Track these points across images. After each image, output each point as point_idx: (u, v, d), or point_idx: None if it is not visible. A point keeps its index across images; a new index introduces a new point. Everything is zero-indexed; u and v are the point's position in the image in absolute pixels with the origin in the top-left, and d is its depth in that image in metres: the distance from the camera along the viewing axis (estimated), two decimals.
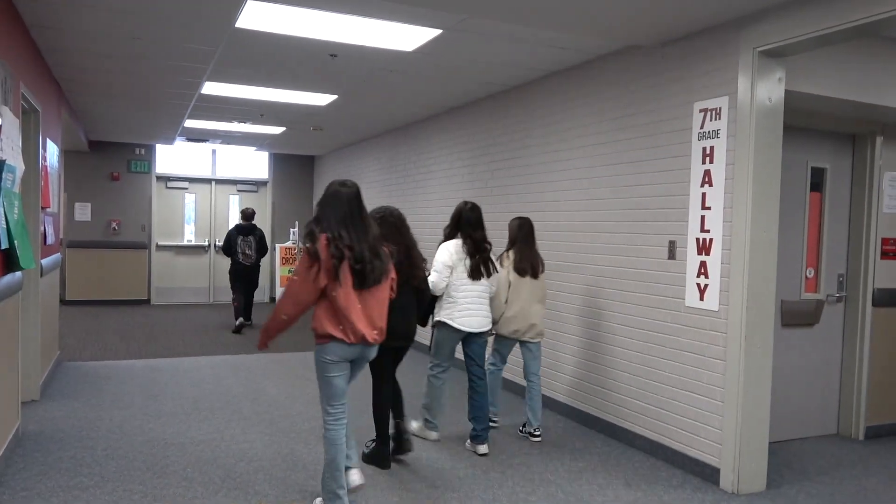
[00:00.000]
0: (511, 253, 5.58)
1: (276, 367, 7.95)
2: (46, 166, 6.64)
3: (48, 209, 6.79)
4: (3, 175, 4.16)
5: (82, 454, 4.92)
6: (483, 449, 5.17)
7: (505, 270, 5.50)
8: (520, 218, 5.72)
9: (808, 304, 5.72)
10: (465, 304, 5.16)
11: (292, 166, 14.94)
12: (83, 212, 13.25)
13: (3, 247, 4.25)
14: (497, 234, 7.31)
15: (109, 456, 4.90)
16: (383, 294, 3.99)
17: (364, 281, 3.83)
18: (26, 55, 5.50)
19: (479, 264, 5.20)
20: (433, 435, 5.45)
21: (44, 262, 6.49)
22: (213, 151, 14.32)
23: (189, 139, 12.51)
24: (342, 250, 3.74)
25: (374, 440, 4.98)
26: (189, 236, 14.26)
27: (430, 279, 5.09)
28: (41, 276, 6.31)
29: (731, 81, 4.55)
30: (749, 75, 4.41)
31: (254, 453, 5.04)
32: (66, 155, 12.71)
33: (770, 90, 4.44)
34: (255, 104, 8.63)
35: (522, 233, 5.61)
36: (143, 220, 13.68)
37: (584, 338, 5.96)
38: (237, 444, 5.23)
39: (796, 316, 5.66)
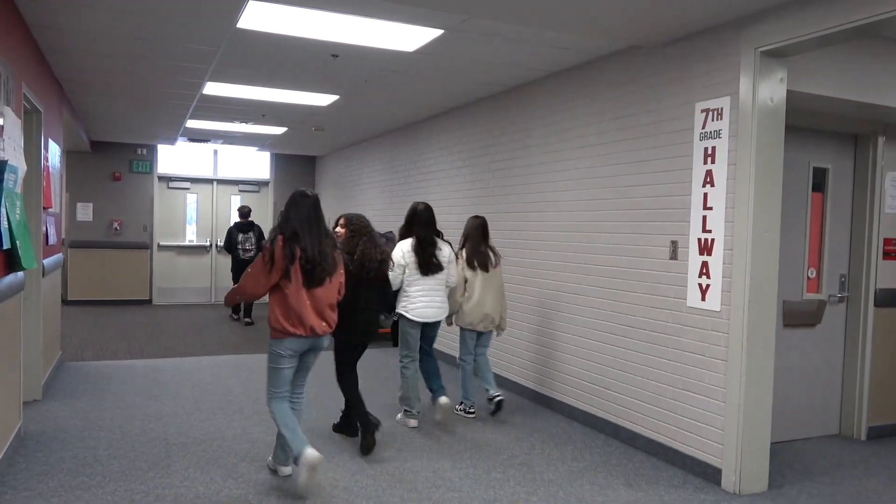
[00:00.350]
0: (463, 250, 6.05)
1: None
2: (48, 166, 6.64)
3: (50, 209, 6.79)
4: (6, 175, 4.17)
5: (84, 454, 4.93)
6: (444, 400, 5.76)
7: (460, 266, 5.94)
8: (475, 217, 6.22)
9: (810, 304, 5.72)
10: (418, 297, 5.66)
11: (294, 166, 14.95)
12: (85, 212, 13.27)
13: (5, 247, 4.26)
14: (496, 234, 7.33)
15: (111, 455, 4.91)
16: (331, 291, 4.44)
17: (313, 280, 4.27)
18: (28, 55, 5.51)
19: (430, 259, 5.63)
20: (412, 422, 5.83)
21: (46, 262, 6.50)
22: (215, 152, 14.34)
23: (190, 139, 12.52)
24: (295, 252, 4.20)
25: (364, 431, 5.17)
26: (191, 236, 14.27)
27: (389, 275, 5.51)
28: (43, 276, 6.32)
29: (732, 82, 4.55)
30: (751, 75, 4.41)
31: (255, 453, 5.04)
32: (68, 155, 12.71)
33: (772, 90, 4.44)
34: (257, 104, 8.63)
35: (475, 230, 6.09)
36: (145, 220, 13.69)
37: (585, 338, 5.95)
38: (239, 444, 5.23)
39: (798, 316, 5.65)
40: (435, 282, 5.69)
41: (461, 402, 6.22)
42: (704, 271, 4.74)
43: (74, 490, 4.26)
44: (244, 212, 11.59)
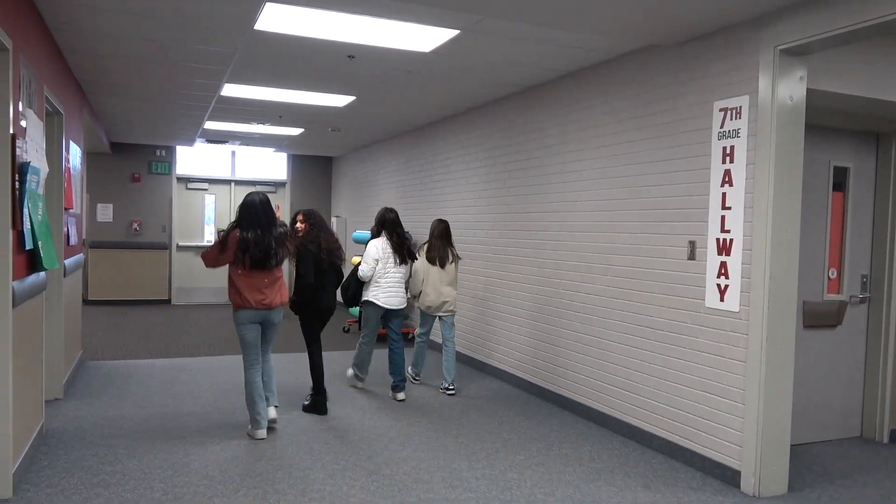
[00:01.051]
0: (425, 246, 7.04)
1: (294, 366, 7.97)
2: (69, 168, 6.71)
3: (71, 210, 6.86)
4: (28, 177, 4.21)
5: (104, 452, 4.97)
6: (401, 396, 6.67)
7: (423, 260, 6.98)
8: (438, 220, 7.18)
9: (831, 305, 5.67)
10: (388, 287, 6.65)
11: (310, 167, 15.00)
12: (105, 213, 13.38)
13: (28, 247, 4.32)
14: (513, 235, 7.32)
15: (131, 454, 4.94)
16: (278, 274, 5.47)
17: (262, 265, 5.29)
18: (49, 58, 5.56)
19: (402, 253, 6.71)
20: (359, 384, 7.12)
21: (67, 262, 6.57)
22: (233, 153, 14.41)
23: (209, 141, 12.58)
24: (248, 245, 5.23)
25: (311, 394, 6.23)
26: (209, 237, 14.33)
27: (361, 268, 6.66)
28: (64, 276, 6.38)
29: (751, 80, 4.52)
30: (770, 74, 4.38)
31: (273, 452, 5.06)
32: (89, 156, 12.80)
33: (791, 89, 4.40)
34: (274, 106, 8.66)
35: (437, 231, 7.06)
36: (164, 220, 13.79)
37: (602, 338, 5.93)
38: (256, 443, 5.25)
39: (818, 317, 5.61)
40: (400, 275, 6.73)
41: (411, 367, 7.37)
42: (723, 272, 4.71)
43: (95, 488, 4.30)
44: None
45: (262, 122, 10.11)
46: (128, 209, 13.54)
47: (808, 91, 4.50)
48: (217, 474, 4.60)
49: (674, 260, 5.18)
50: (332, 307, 6.27)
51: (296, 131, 10.99)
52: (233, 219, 5.45)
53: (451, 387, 6.93)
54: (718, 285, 4.75)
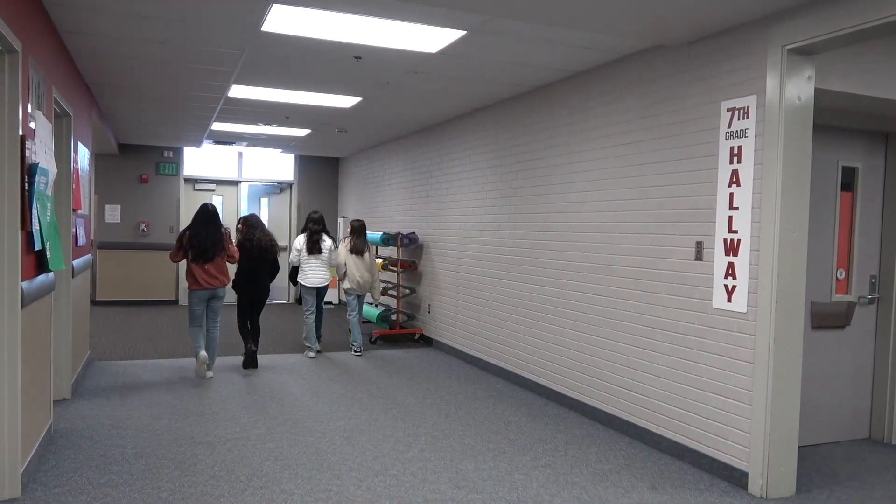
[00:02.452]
0: (347, 240, 9.11)
1: (300, 367, 7.99)
2: (77, 169, 6.73)
3: (79, 211, 6.87)
4: (37, 178, 4.23)
5: (112, 452, 4.99)
6: (312, 354, 8.69)
7: (344, 250, 9.00)
8: (357, 220, 9.30)
9: (839, 306, 5.65)
10: (308, 271, 8.74)
11: (317, 168, 15.03)
12: (113, 213, 13.44)
13: (37, 248, 4.34)
14: (519, 235, 7.31)
15: (138, 454, 4.96)
16: (221, 264, 7.39)
17: (205, 257, 7.26)
18: (58, 60, 5.58)
19: (314, 246, 8.73)
20: (311, 354, 8.73)
21: (75, 263, 6.59)
22: (240, 154, 14.45)
23: (216, 142, 12.62)
24: (193, 242, 7.25)
25: (244, 353, 8.08)
26: None
27: (290, 257, 8.92)
28: (72, 276, 6.40)
29: (759, 80, 4.51)
30: (778, 73, 4.37)
31: (280, 452, 5.07)
32: (97, 158, 12.87)
33: (799, 88, 4.39)
34: (281, 107, 8.68)
35: (355, 229, 9.15)
36: (172, 221, 13.83)
37: (609, 339, 5.93)
38: (263, 444, 5.27)
39: (827, 318, 5.59)
40: (319, 262, 8.75)
41: (352, 342, 8.99)
42: (730, 272, 4.71)
43: (103, 488, 4.32)
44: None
45: (269, 123, 10.13)
46: (135, 210, 13.59)
47: (817, 91, 4.49)
48: (224, 474, 4.61)
49: (681, 260, 5.17)
50: (261, 290, 8.16)
51: (303, 132, 11.01)
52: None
53: (358, 349, 8.91)
54: (726, 286, 4.74)
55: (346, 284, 8.95)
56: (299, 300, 9.33)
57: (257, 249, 8.00)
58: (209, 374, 7.41)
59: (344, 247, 9.05)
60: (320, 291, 8.83)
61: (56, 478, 4.47)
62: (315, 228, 8.78)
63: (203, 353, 7.31)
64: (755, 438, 4.51)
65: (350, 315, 9.08)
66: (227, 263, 7.47)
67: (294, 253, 8.84)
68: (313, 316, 8.79)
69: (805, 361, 4.93)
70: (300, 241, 8.82)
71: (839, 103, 5.07)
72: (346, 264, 8.92)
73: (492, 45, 5.59)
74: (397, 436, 5.55)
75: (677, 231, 5.22)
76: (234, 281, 8.01)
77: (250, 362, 7.92)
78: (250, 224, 8.16)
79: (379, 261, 10.02)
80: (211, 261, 7.26)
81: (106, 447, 5.10)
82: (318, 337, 8.93)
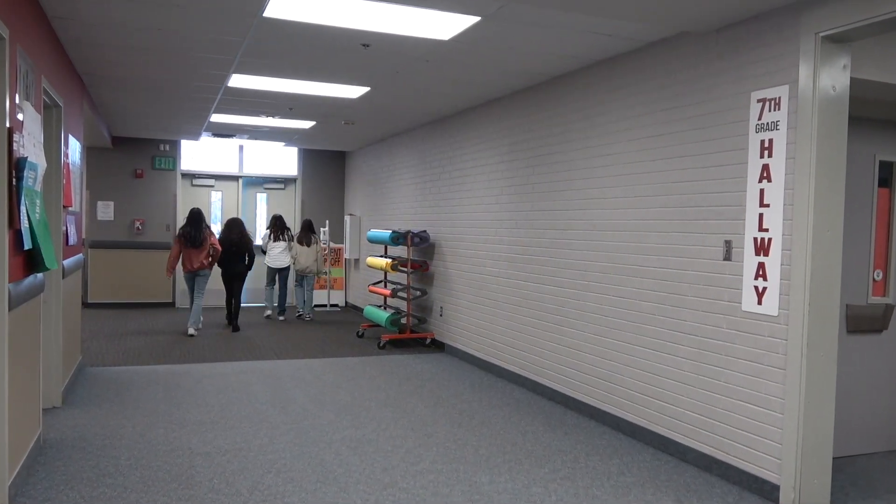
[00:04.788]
0: (297, 234, 12.66)
1: (304, 374, 8.02)
2: (68, 163, 6.77)
3: (70, 208, 6.91)
4: (25, 173, 4.25)
5: (105, 463, 5.01)
6: (281, 318, 12.59)
7: (293, 243, 12.52)
8: (305, 220, 12.89)
9: (876, 308, 5.62)
10: (272, 255, 12.43)
11: (322, 162, 15.09)
12: (106, 211, 13.50)
13: (26, 247, 4.35)
14: (535, 233, 7.31)
15: (133, 465, 4.98)
16: (203, 252, 10.44)
17: (192, 246, 10.36)
18: (47, 47, 5.61)
19: (278, 236, 12.46)
20: (268, 312, 12.73)
21: (66, 263, 6.63)
22: (241, 147, 14.52)
23: (215, 134, 12.67)
24: (184, 236, 10.39)
25: (227, 321, 11.65)
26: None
27: (260, 244, 12.80)
28: (63, 277, 6.44)
29: (791, 69, 4.49)
30: (811, 62, 4.35)
31: (283, 464, 5.09)
32: (89, 151, 12.96)
33: (834, 78, 4.37)
34: (284, 97, 8.71)
35: (303, 225, 12.70)
36: (168, 219, 13.90)
37: (631, 344, 5.92)
38: (265, 455, 5.28)
39: (863, 321, 5.56)
40: (280, 249, 12.41)
41: (299, 313, 12.86)
42: (761, 273, 4.69)
43: (95, 501, 4.34)
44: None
45: (272, 115, 10.17)
46: (130, 207, 13.66)
47: (852, 80, 4.47)
48: (224, 487, 4.63)
49: (708, 261, 5.16)
50: (236, 271, 11.28)
51: (307, 124, 11.05)
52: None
53: (307, 316, 12.73)
54: (756, 287, 4.73)
55: (298, 268, 12.53)
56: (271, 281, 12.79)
57: (231, 244, 11.18)
58: (191, 331, 10.64)
59: (293, 239, 12.70)
60: (281, 272, 12.56)
61: (45, 491, 4.49)
62: (278, 225, 12.59)
63: (192, 330, 10.69)
64: (787, 449, 4.49)
65: (296, 287, 12.92)
66: (210, 253, 10.61)
67: (263, 240, 12.87)
68: (273, 287, 12.72)
69: (840, 367, 4.91)
70: (268, 232, 12.67)
71: (876, 94, 5.04)
72: (296, 252, 12.49)
73: (507, 32, 5.59)
74: (407, 446, 5.56)
75: (704, 229, 5.20)
76: (219, 262, 11.15)
77: (234, 329, 11.26)
78: (228, 226, 11.48)
79: (388, 261, 10.07)
80: (196, 249, 10.44)
81: (98, 458, 5.12)
82: (283, 309, 12.70)
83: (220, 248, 10.74)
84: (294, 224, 14.25)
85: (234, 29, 5.74)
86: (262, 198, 14.96)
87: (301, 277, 12.72)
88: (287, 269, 12.49)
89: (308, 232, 12.56)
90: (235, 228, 11.37)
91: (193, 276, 10.60)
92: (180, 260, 10.46)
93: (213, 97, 8.75)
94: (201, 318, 11.04)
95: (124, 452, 5.26)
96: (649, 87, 5.78)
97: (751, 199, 4.77)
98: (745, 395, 4.82)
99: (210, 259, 10.60)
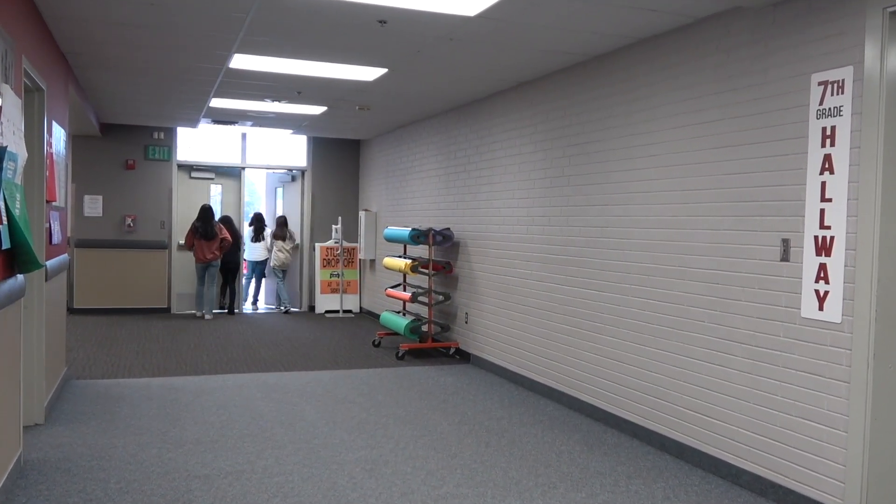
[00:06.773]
0: (274, 231, 15.09)
1: (314, 388, 8.09)
2: (52, 153, 6.82)
3: (54, 203, 6.97)
4: (4, 164, 4.25)
5: (92, 487, 5.08)
6: (260, 307, 15.80)
7: (271, 239, 15.10)
8: (281, 216, 15.24)
9: None
10: (252, 250, 15.18)
11: (334, 152, 15.18)
12: (94, 206, 13.62)
13: (5, 247, 4.36)
14: (571, 231, 7.35)
15: (123, 490, 5.05)
16: (213, 244, 13.35)
17: (204, 238, 13.32)
18: (29, 25, 5.65)
19: (259, 235, 15.11)
20: (202, 312, 14.05)
21: (49, 264, 6.65)
22: (243, 135, 14.62)
23: (215, 121, 12.75)
24: (197, 230, 13.34)
25: (222, 306, 14.77)
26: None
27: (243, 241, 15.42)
28: (46, 280, 6.47)
29: (856, 48, 4.52)
30: (878, 41, 4.37)
31: (290, 488, 5.15)
32: (75, 140, 13.05)
33: None
34: (292, 80, 8.78)
35: (279, 224, 14.96)
36: (163, 215, 14.03)
37: (679, 355, 5.96)
38: (270, 477, 5.35)
39: None
40: (261, 247, 15.04)
41: (283, 305, 14.99)
42: (822, 275, 4.72)
43: None
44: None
45: (278, 100, 10.25)
46: (120, 202, 13.78)
47: None
48: None
49: (763, 261, 5.19)
50: (230, 265, 14.27)
51: (317, 110, 11.12)
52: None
53: (290, 309, 15.01)
54: (817, 291, 4.76)
55: (274, 264, 14.87)
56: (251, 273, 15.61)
57: (227, 242, 13.71)
58: (208, 316, 13.62)
59: (270, 236, 15.26)
60: (260, 265, 15.39)
61: None
62: (258, 226, 15.23)
63: (207, 315, 13.66)
64: (851, 471, 4.52)
65: (278, 276, 15.03)
66: (221, 245, 13.52)
67: (246, 237, 15.30)
68: (250, 279, 15.71)
69: None
70: (247, 233, 15.23)
71: None
72: (273, 247, 15.02)
73: (540, 6, 5.61)
74: (429, 468, 5.62)
75: (759, 227, 5.24)
76: (220, 256, 13.71)
77: (229, 314, 14.31)
78: (229, 221, 14.22)
79: (407, 262, 10.14)
80: (208, 241, 13.27)
81: (85, 481, 5.18)
82: (256, 298, 15.66)
83: (230, 241, 13.67)
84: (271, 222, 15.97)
85: (236, 3, 5.80)
86: (278, 192, 15.60)
87: (282, 272, 15.01)
88: (264, 262, 15.39)
89: (284, 228, 15.11)
90: (230, 230, 14.07)
91: (206, 267, 13.47)
92: (193, 251, 13.41)
93: (212, 79, 8.83)
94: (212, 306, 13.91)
95: (114, 475, 5.32)
96: (698, 68, 5.82)
97: (811, 193, 4.80)
98: (804, 411, 4.85)
99: (220, 250, 13.48)
